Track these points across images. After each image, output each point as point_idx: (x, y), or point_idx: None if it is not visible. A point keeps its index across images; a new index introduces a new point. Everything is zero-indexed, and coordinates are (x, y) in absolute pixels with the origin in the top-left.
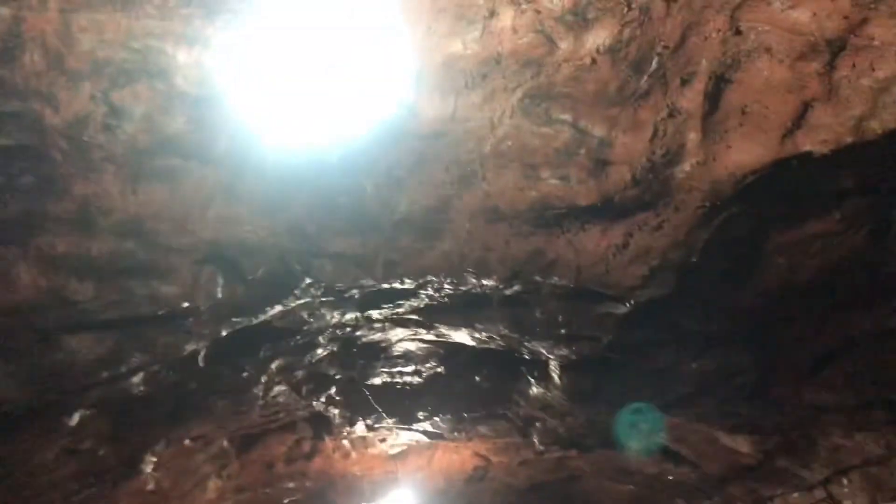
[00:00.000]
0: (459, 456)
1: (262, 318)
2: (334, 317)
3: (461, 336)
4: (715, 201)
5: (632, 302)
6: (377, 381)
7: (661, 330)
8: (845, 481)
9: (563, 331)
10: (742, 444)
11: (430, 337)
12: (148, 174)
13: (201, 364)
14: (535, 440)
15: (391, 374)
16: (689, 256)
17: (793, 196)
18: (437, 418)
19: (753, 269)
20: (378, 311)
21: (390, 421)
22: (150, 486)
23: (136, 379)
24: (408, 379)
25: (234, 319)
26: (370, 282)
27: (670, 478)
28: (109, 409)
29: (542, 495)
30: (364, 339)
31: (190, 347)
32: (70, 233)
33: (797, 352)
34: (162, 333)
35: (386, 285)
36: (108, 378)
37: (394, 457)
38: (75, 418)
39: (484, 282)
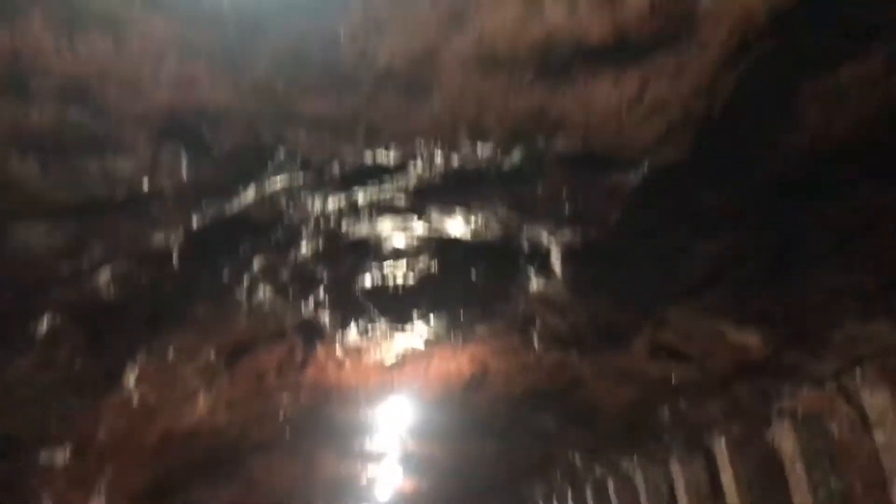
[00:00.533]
0: (457, 363)
1: (236, 204)
2: (316, 204)
3: (455, 226)
4: (745, 36)
5: (644, 170)
6: (367, 282)
7: (673, 207)
8: (859, 372)
9: (567, 209)
10: (750, 339)
11: (422, 230)
12: (85, 21)
13: (176, 264)
14: (535, 341)
15: (382, 275)
16: (711, 109)
17: (833, 31)
18: (432, 319)
19: (782, 123)
20: (363, 191)
21: (384, 325)
22: (135, 400)
23: (104, 277)
24: (400, 280)
25: (204, 204)
26: (350, 152)
27: (674, 379)
28: (81, 315)
29: (541, 402)
30: (350, 234)
31: (159, 239)
32: (1, 98)
33: (817, 230)
34: (124, 221)
35: (369, 157)
36: (71, 275)
37: (389, 366)
38: (44, 325)
39: (480, 147)
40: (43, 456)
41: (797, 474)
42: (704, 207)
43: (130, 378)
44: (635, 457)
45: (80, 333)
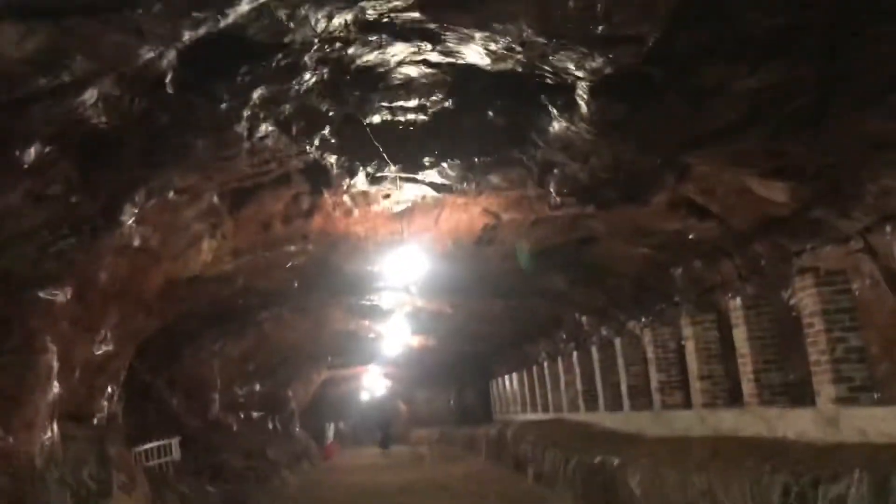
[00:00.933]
0: (468, 215)
1: (230, 16)
2: (319, 21)
3: (473, 52)
4: None
5: None
6: (376, 118)
7: (716, 32)
8: (888, 228)
9: (600, 28)
10: (777, 192)
11: (436, 57)
12: None
13: (170, 90)
14: (552, 190)
15: (392, 111)
16: None
17: None
18: (444, 164)
19: None
20: (372, 5)
21: (393, 168)
22: (136, 242)
23: (90, 98)
24: (411, 116)
25: (195, 15)
26: None
27: (691, 236)
28: (71, 145)
29: (552, 259)
30: (358, 62)
31: (149, 57)
32: None
33: (871, 65)
34: (105, 30)
35: None
36: (51, 92)
37: (399, 215)
38: (32, 153)
39: None
40: (42, 296)
41: (815, 332)
42: (750, 33)
43: (129, 217)
44: (643, 317)
45: (72, 166)
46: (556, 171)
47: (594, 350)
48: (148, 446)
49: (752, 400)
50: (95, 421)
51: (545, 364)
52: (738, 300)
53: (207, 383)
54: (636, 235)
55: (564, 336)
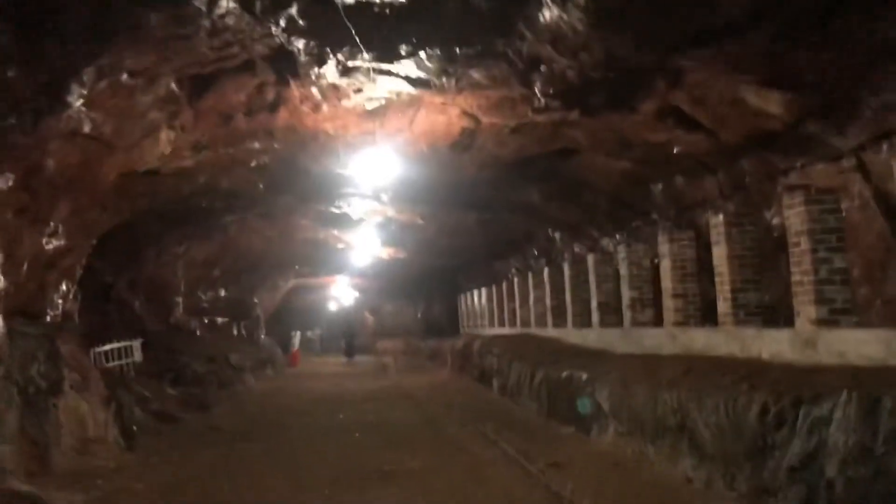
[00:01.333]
0: (445, 117)
1: None
2: None
3: None
4: None
5: None
6: None
7: None
8: (885, 147)
9: None
10: (772, 104)
11: None
12: None
13: None
14: (537, 91)
15: None
16: None
17: None
18: (422, 54)
19: None
20: None
21: (367, 57)
22: (87, 129)
23: None
24: None
25: None
26: None
27: (676, 150)
28: (7, 11)
29: (529, 171)
30: None
31: None
32: None
33: None
34: None
35: None
36: None
37: (371, 113)
38: None
39: None
40: None
41: (801, 251)
42: None
43: (77, 99)
44: (618, 235)
45: (9, 36)
46: (542, 67)
47: (566, 266)
48: (108, 347)
49: (726, 319)
50: (49, 318)
51: (515, 280)
52: (721, 217)
53: (170, 287)
54: (618, 147)
55: (536, 252)
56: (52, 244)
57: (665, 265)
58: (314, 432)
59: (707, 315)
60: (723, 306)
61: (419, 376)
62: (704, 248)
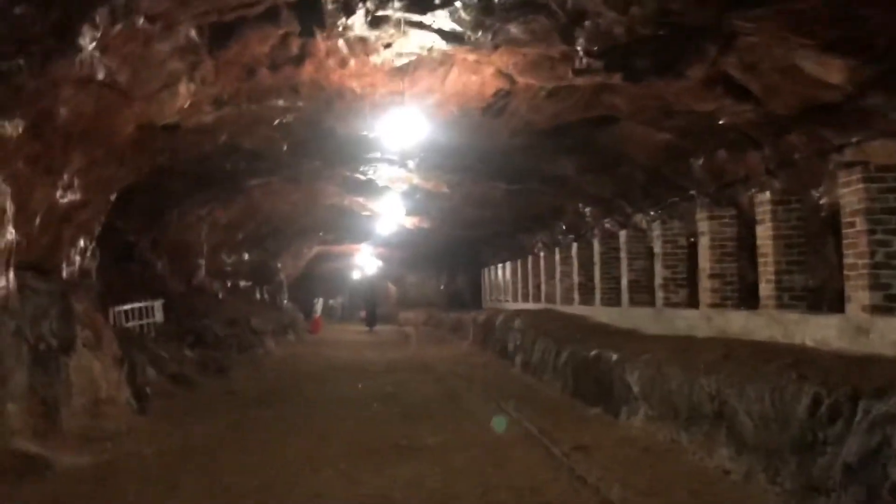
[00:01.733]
0: (479, 76)
1: None
2: None
3: None
4: None
5: None
6: None
7: None
8: None
9: None
10: (833, 72)
11: None
12: None
13: None
14: (579, 48)
15: None
16: None
17: None
18: (458, 3)
19: None
20: None
21: (398, 6)
22: (101, 76)
23: None
24: None
25: None
26: None
27: (722, 121)
28: None
29: (563, 141)
30: None
31: None
32: None
33: None
34: None
35: None
36: None
37: (400, 70)
38: None
39: None
40: None
41: (856, 232)
42: None
43: (90, 42)
44: (652, 211)
45: None
46: (587, 22)
47: (596, 242)
48: (128, 307)
49: (768, 303)
50: (65, 275)
51: (541, 255)
52: (767, 194)
53: (194, 248)
54: (660, 117)
55: (564, 227)
56: (66, 198)
57: (703, 243)
58: (331, 402)
59: (744, 298)
60: (765, 289)
61: (440, 348)
62: (744, 227)
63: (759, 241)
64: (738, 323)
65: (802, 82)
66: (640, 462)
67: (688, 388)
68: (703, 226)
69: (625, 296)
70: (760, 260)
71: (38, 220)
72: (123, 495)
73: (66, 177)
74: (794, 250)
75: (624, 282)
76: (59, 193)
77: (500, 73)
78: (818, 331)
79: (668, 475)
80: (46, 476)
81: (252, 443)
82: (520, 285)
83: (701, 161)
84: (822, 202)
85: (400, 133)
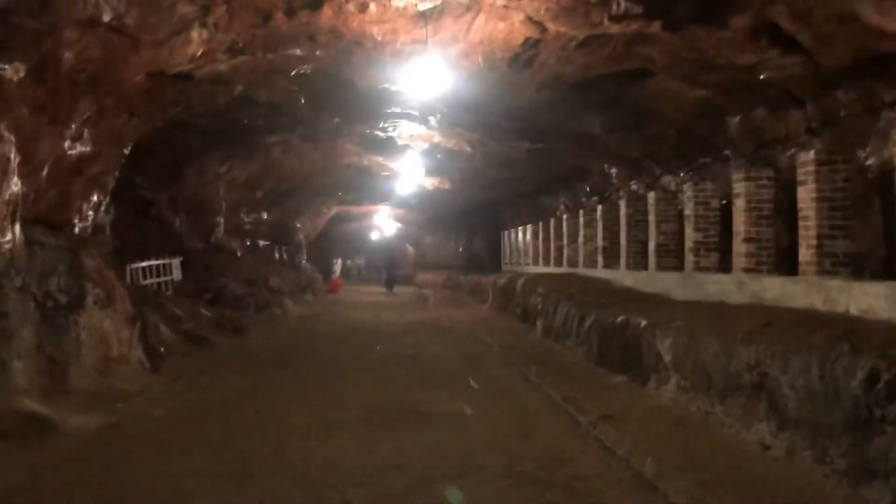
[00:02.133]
0: (507, 23)
1: None
2: None
3: None
4: None
5: None
6: None
7: None
8: None
9: None
10: (894, 19)
11: None
12: None
13: None
14: None
15: None
16: None
17: None
18: None
19: None
20: None
21: None
22: (107, 18)
23: None
24: None
25: None
26: None
27: (763, 76)
28: None
29: (592, 96)
30: None
31: None
32: None
33: None
34: None
35: None
36: None
37: (424, 16)
38: None
39: None
40: None
41: None
42: None
43: None
44: (682, 172)
45: None
46: None
47: (622, 204)
48: (145, 264)
49: (808, 268)
50: (76, 230)
51: (564, 217)
52: (811, 153)
53: (212, 206)
54: (697, 71)
55: (588, 189)
56: (76, 149)
57: (738, 206)
58: (349, 364)
59: (777, 263)
60: (805, 254)
61: (459, 311)
62: (781, 189)
63: (800, 204)
64: (774, 289)
65: (858, 32)
66: (672, 434)
67: (724, 358)
68: (739, 187)
69: (652, 260)
70: (801, 224)
71: (45, 172)
72: (130, 459)
73: (73, 127)
74: (837, 214)
75: (651, 245)
76: (67, 144)
77: (530, 19)
78: (864, 299)
79: (703, 449)
80: (52, 437)
81: (266, 405)
82: (541, 248)
83: (737, 119)
84: (868, 163)
85: (421, 85)
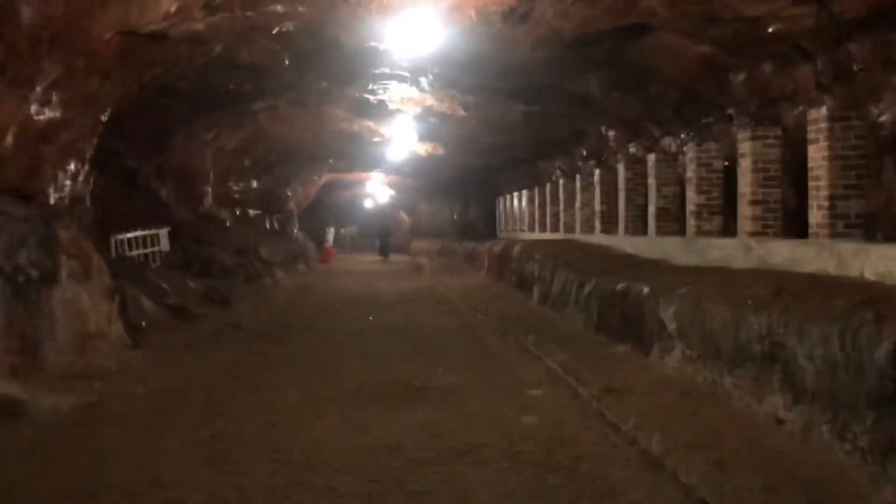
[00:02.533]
0: None
1: None
2: None
3: None
4: None
5: None
6: None
7: None
8: None
9: None
10: None
11: None
12: None
13: None
14: None
15: None
16: None
17: None
18: None
19: None
20: None
21: None
22: None
23: None
24: None
25: None
26: None
27: (772, 28)
28: None
29: (590, 54)
30: None
31: None
32: None
33: None
34: None
35: None
36: None
37: None
38: None
39: None
40: None
41: None
42: None
43: None
44: (683, 133)
45: None
46: None
47: (620, 168)
48: (131, 235)
49: (820, 231)
50: (52, 201)
51: (560, 182)
52: (823, 110)
53: (200, 175)
54: (702, 24)
55: (585, 153)
56: (44, 114)
57: (744, 166)
58: (340, 336)
59: (786, 227)
60: (816, 215)
61: (454, 279)
62: (787, 148)
63: (810, 164)
64: (782, 253)
65: None
66: (679, 407)
67: (734, 327)
68: (745, 147)
69: (652, 224)
70: (812, 184)
71: (9, 139)
72: (102, 444)
73: (39, 90)
74: (850, 173)
75: (651, 209)
76: (33, 109)
77: None
78: (881, 263)
79: (713, 423)
80: (21, 420)
81: (252, 383)
82: (537, 214)
83: (742, 77)
84: (881, 120)
85: (411, 43)
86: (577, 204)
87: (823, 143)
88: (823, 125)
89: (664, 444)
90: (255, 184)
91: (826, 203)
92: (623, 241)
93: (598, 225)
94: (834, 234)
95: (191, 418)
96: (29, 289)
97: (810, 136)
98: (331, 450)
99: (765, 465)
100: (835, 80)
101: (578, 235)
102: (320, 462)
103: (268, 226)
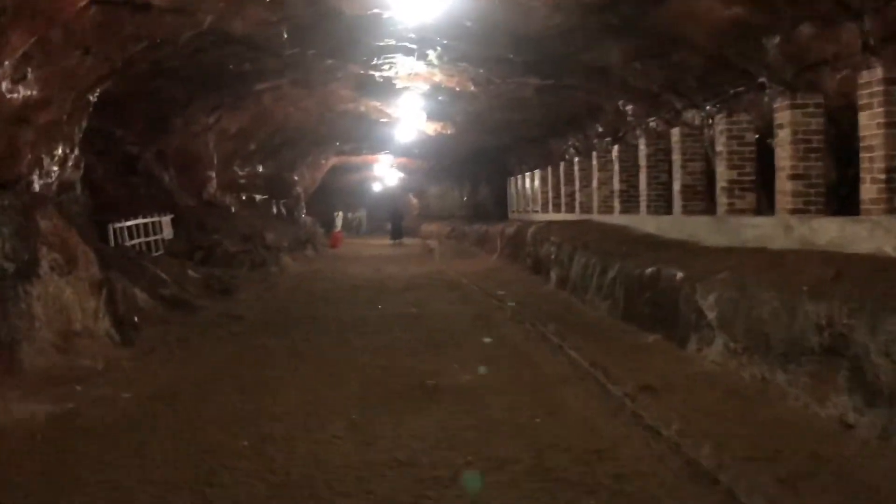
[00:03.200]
0: None
1: None
2: None
3: None
4: None
5: None
6: None
7: None
8: None
9: None
10: None
11: None
12: None
13: None
14: None
15: None
16: None
17: None
18: None
19: None
20: None
21: None
22: None
23: None
24: None
25: None
26: None
27: None
28: None
29: (610, 20)
30: None
31: None
32: None
33: None
34: None
35: None
36: None
37: None
38: None
39: None
40: None
41: None
42: None
43: None
44: (709, 104)
45: None
46: None
47: (641, 143)
48: (130, 223)
49: (874, 207)
50: (37, 188)
51: (575, 160)
52: (878, 71)
53: (202, 159)
54: None
55: (601, 129)
56: (18, 92)
57: (783, 138)
58: (347, 327)
59: (828, 202)
60: (870, 189)
61: (466, 262)
62: (829, 117)
63: (862, 132)
64: (829, 232)
65: None
66: (726, 409)
67: (787, 316)
68: (784, 116)
69: (677, 202)
70: (863, 155)
71: None
72: (73, 461)
73: (8, 65)
74: None
75: (676, 187)
76: (4, 86)
77: None
78: None
79: (769, 428)
80: None
81: (249, 383)
82: (550, 194)
83: (776, 40)
84: None
85: (416, 6)
86: (595, 183)
87: (879, 109)
88: (878, 88)
89: (717, 455)
90: (260, 168)
91: (882, 176)
92: (645, 221)
93: (617, 204)
94: (891, 210)
95: (177, 429)
96: (3, 284)
97: (862, 101)
98: (333, 466)
99: (841, 481)
100: (885, 41)
101: (596, 216)
102: (321, 483)
103: (275, 211)
